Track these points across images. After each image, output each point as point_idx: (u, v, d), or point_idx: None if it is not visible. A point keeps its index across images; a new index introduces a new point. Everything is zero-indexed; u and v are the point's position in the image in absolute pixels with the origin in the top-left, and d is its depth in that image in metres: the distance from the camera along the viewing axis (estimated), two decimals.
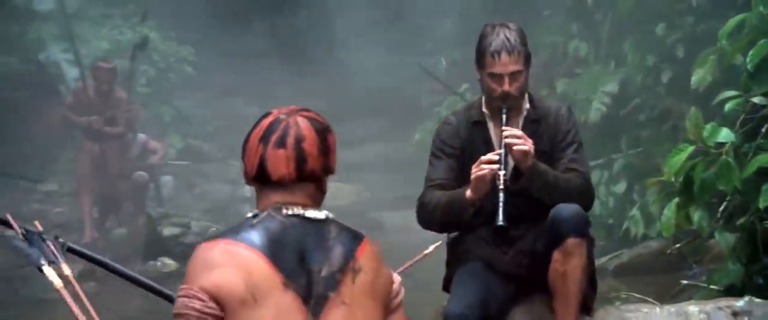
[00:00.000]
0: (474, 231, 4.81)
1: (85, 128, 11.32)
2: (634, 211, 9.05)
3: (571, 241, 4.54)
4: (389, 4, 17.60)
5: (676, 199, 6.03)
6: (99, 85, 11.22)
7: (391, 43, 17.62)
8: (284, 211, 2.99)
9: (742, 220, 6.25)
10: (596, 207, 9.85)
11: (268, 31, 17.83)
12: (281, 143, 3.00)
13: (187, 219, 11.67)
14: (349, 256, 2.97)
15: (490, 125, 4.83)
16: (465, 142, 4.84)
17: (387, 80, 17.64)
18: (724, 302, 4.92)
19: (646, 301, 5.79)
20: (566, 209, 4.57)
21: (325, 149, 3.05)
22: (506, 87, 4.66)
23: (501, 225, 4.49)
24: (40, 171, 14.00)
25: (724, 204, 6.66)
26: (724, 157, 5.67)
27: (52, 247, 3.70)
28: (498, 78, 4.67)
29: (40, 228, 3.81)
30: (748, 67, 6.15)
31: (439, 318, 4.85)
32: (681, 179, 5.92)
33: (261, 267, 2.86)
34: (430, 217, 4.80)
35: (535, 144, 4.65)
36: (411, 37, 17.36)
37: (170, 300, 3.74)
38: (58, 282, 3.60)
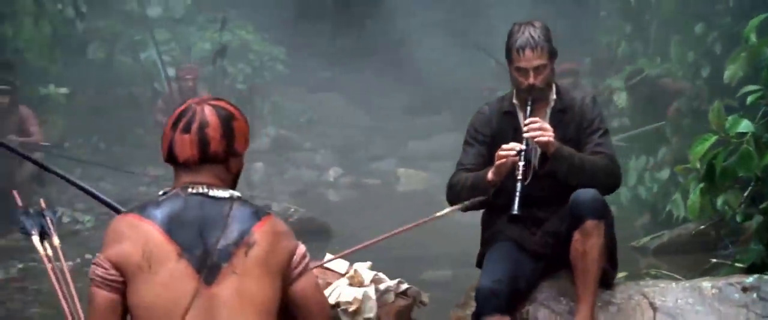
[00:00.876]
0: (505, 213, 4.74)
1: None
2: (676, 195, 8.90)
3: (590, 223, 4.49)
4: (466, 6, 17.55)
5: (701, 185, 5.95)
6: (183, 86, 11.20)
7: (467, 42, 17.55)
8: (189, 190, 3.08)
9: (763, 205, 6.13)
10: (642, 191, 9.86)
11: (353, 32, 17.84)
12: (187, 128, 3.10)
13: (267, 200, 11.68)
14: (245, 232, 3.02)
15: (520, 114, 4.77)
16: (496, 131, 4.81)
17: (461, 76, 17.61)
18: (735, 278, 4.82)
19: (672, 277, 5.67)
20: (585, 193, 4.53)
21: (229, 134, 3.12)
22: (531, 79, 4.63)
23: (515, 215, 4.48)
24: (149, 159, 14.16)
25: (749, 189, 6.53)
26: (744, 146, 5.56)
27: (49, 222, 3.76)
28: (524, 71, 4.64)
29: (44, 206, 3.89)
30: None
31: (472, 293, 4.80)
32: (704, 166, 5.84)
33: (157, 239, 2.96)
34: (456, 197, 4.78)
35: (562, 132, 4.65)
36: (485, 37, 17.27)
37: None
38: (42, 251, 3.69)
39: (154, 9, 16.04)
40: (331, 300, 5.19)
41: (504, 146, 4.54)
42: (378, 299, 5.24)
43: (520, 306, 4.76)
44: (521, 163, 4.49)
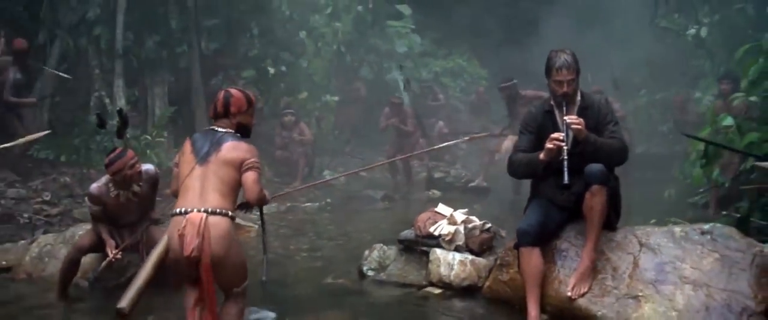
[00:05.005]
0: (545, 179, 4.68)
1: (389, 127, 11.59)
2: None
3: (595, 187, 4.37)
4: (599, 42, 16.76)
5: (701, 161, 5.62)
6: (392, 105, 11.53)
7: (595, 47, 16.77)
8: (211, 128, 3.98)
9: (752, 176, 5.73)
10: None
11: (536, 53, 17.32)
12: (214, 101, 3.99)
13: (448, 167, 11.73)
14: (220, 145, 3.83)
15: (556, 112, 4.63)
16: (540, 123, 4.67)
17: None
18: (697, 225, 4.54)
19: (682, 224, 5.34)
20: (594, 166, 4.41)
21: (227, 104, 3.94)
22: (565, 89, 4.52)
23: (566, 184, 4.31)
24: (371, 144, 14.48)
25: (742, 165, 6.08)
26: (729, 134, 5.23)
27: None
28: (560, 83, 4.53)
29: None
30: (749, 77, 5.60)
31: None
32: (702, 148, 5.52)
33: (188, 144, 3.93)
34: (515, 170, 4.69)
35: (585, 123, 4.50)
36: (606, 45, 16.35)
37: None
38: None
39: (402, 47, 16.43)
40: (436, 233, 5.30)
41: (552, 136, 4.43)
42: (467, 233, 5.30)
43: (551, 240, 4.68)
44: (565, 147, 4.37)
